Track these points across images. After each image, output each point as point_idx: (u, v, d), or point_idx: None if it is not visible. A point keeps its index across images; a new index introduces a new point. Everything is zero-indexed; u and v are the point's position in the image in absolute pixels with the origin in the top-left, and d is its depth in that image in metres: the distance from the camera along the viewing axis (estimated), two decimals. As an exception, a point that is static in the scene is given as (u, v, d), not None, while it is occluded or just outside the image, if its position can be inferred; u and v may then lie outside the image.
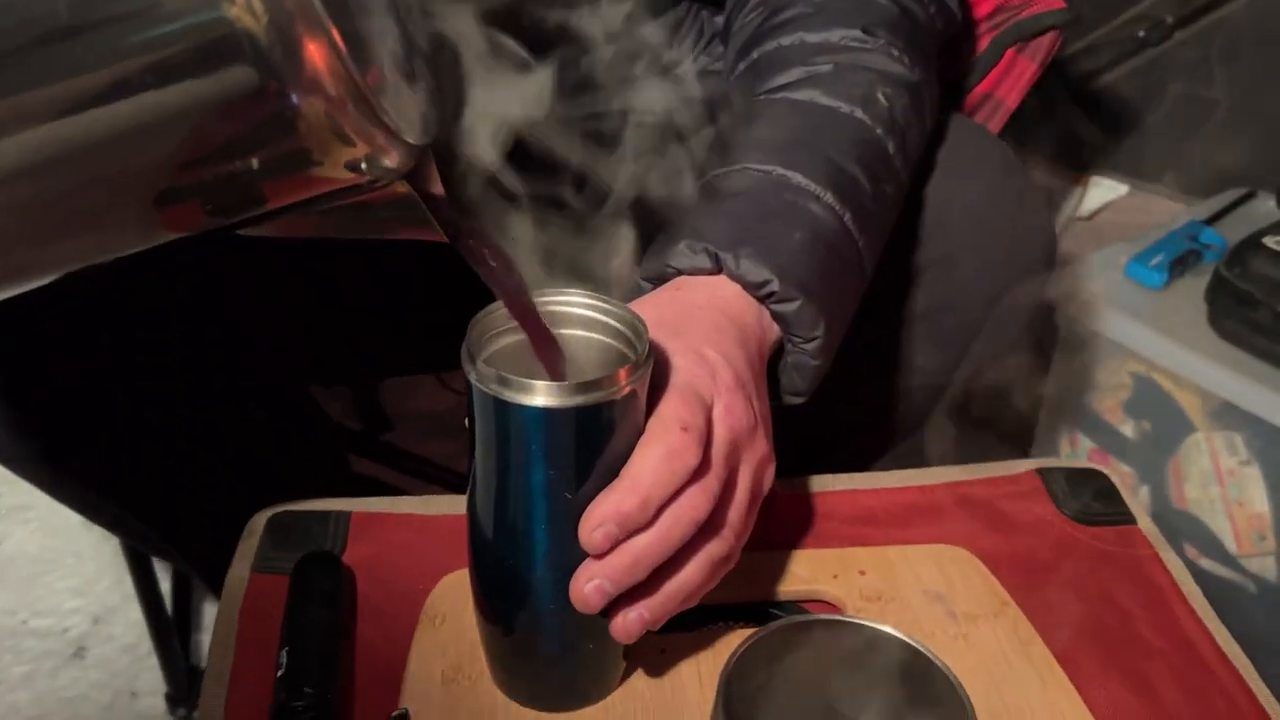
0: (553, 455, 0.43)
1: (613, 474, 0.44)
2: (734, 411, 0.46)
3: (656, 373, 0.45)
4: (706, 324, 0.49)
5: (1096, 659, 0.55)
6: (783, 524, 0.62)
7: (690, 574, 0.45)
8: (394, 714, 0.46)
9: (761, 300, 0.52)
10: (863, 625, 0.41)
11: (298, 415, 0.90)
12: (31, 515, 1.23)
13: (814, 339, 0.52)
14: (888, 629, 0.40)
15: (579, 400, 0.41)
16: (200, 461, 0.70)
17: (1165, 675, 0.54)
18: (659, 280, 0.53)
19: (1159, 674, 0.54)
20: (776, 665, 0.40)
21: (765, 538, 0.61)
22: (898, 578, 0.59)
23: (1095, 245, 1.20)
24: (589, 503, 0.44)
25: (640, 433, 0.44)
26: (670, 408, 0.44)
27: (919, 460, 0.72)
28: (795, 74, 0.59)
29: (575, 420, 0.42)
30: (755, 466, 0.48)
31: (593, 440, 0.43)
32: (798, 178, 0.54)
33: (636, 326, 0.45)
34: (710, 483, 0.45)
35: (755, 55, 0.62)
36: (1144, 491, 1.12)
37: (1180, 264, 1.11)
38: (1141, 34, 1.40)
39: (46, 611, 1.13)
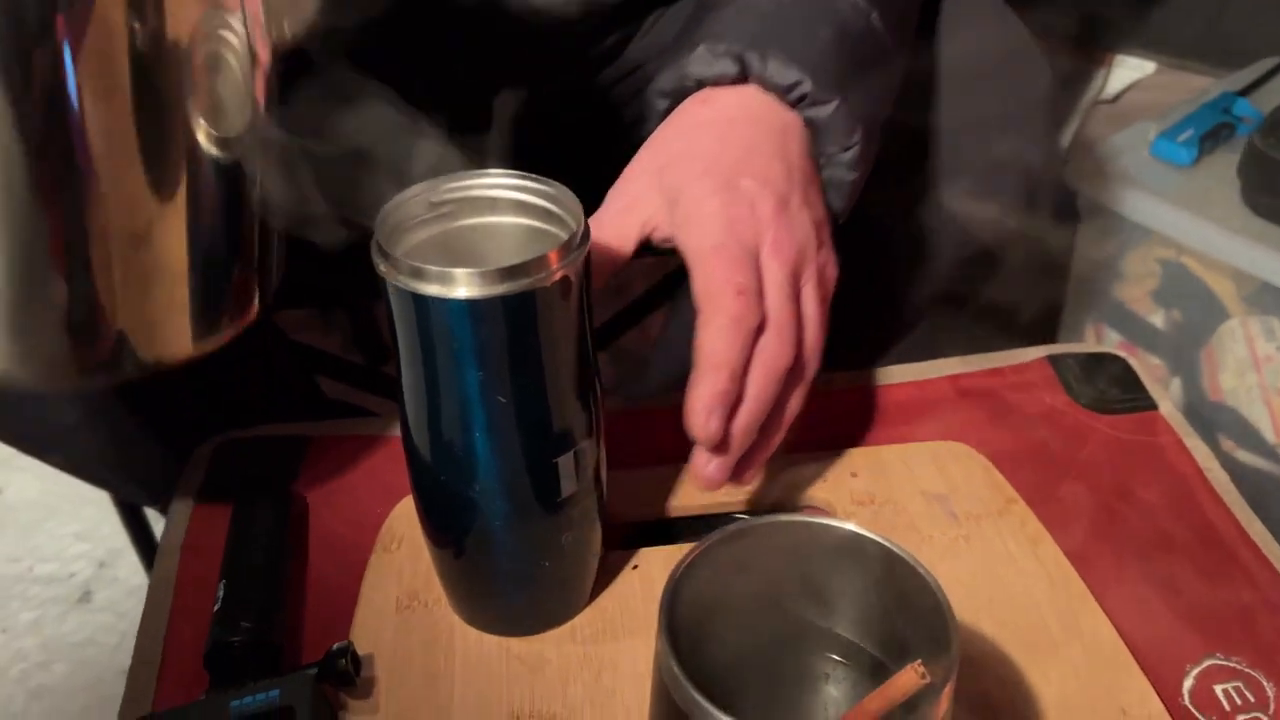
0: (482, 355, 0.38)
1: (555, 374, 0.39)
2: (782, 245, 0.44)
3: (695, 227, 0.44)
4: (738, 146, 0.46)
5: (1112, 556, 0.50)
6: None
7: (792, 408, 0.46)
8: (335, 647, 0.43)
9: (793, 105, 0.48)
10: (827, 525, 0.36)
11: (296, 354, 0.86)
12: (30, 462, 1.22)
13: (850, 147, 0.48)
14: (852, 526, 0.36)
15: (505, 289, 0.37)
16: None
17: (1188, 571, 0.49)
18: (678, 95, 0.49)
19: (1182, 570, 0.49)
20: (731, 573, 0.36)
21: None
22: (892, 479, 0.54)
23: (1122, 128, 1.12)
24: (528, 409, 0.40)
25: (581, 324, 0.40)
26: (719, 272, 0.43)
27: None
28: None
29: (503, 312, 0.37)
30: (818, 279, 0.46)
31: (525, 336, 0.38)
32: None
33: (570, 206, 0.39)
34: (783, 327, 0.44)
35: None
36: (1175, 384, 1.06)
37: (1211, 139, 1.03)
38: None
39: (51, 557, 1.12)
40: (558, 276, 0.37)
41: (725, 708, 0.30)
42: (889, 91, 0.52)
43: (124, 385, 0.62)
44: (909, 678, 0.32)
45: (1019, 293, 0.74)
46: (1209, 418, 1.02)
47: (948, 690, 0.31)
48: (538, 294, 0.37)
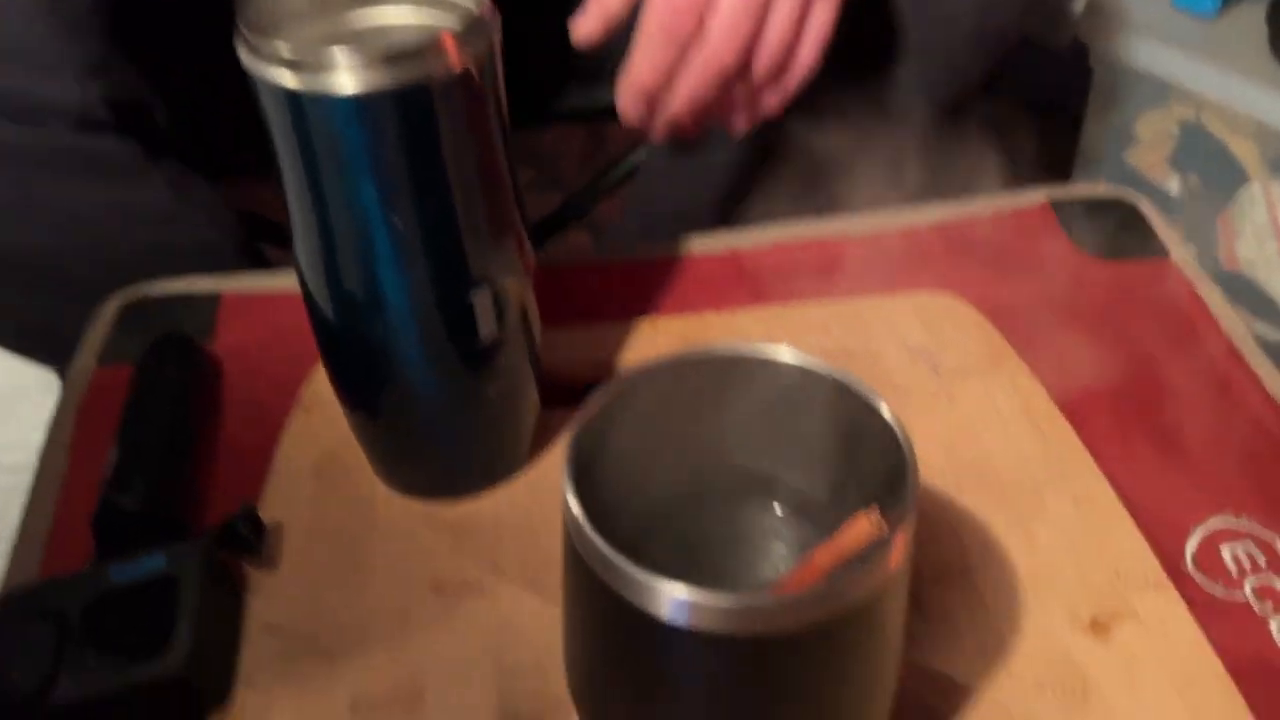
0: (374, 166, 0.32)
1: (463, 192, 0.34)
2: None
3: None
4: None
5: (1113, 412, 0.45)
6: (731, 280, 0.52)
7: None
8: (236, 512, 0.38)
9: None
10: (765, 356, 0.30)
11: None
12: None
13: None
14: (793, 355, 0.30)
15: (394, 79, 0.31)
16: None
17: (1197, 425, 0.44)
18: None
19: (1190, 424, 0.44)
20: (655, 418, 0.31)
21: (710, 298, 0.51)
22: (870, 333, 0.49)
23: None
24: (433, 234, 0.34)
25: (493, 134, 0.34)
26: None
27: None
28: None
29: (394, 110, 0.31)
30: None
31: (423, 141, 0.32)
32: None
33: (477, -7, 0.33)
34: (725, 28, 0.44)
35: None
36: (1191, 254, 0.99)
37: (1238, -15, 0.94)
38: None
39: (16, 446, 1.08)
40: (457, 67, 0.31)
41: (650, 566, 0.25)
42: None
43: (33, 242, 0.57)
44: (862, 527, 0.27)
45: (1022, 155, 0.67)
46: (1224, 288, 0.96)
47: (901, 539, 0.26)
48: (435, 88, 0.31)
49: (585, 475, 0.28)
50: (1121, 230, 0.53)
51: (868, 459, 0.30)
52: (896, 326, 0.49)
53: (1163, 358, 0.47)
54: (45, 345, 0.63)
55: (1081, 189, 0.56)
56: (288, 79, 0.31)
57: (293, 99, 0.31)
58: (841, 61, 0.51)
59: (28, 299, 0.58)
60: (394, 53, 0.31)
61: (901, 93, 0.57)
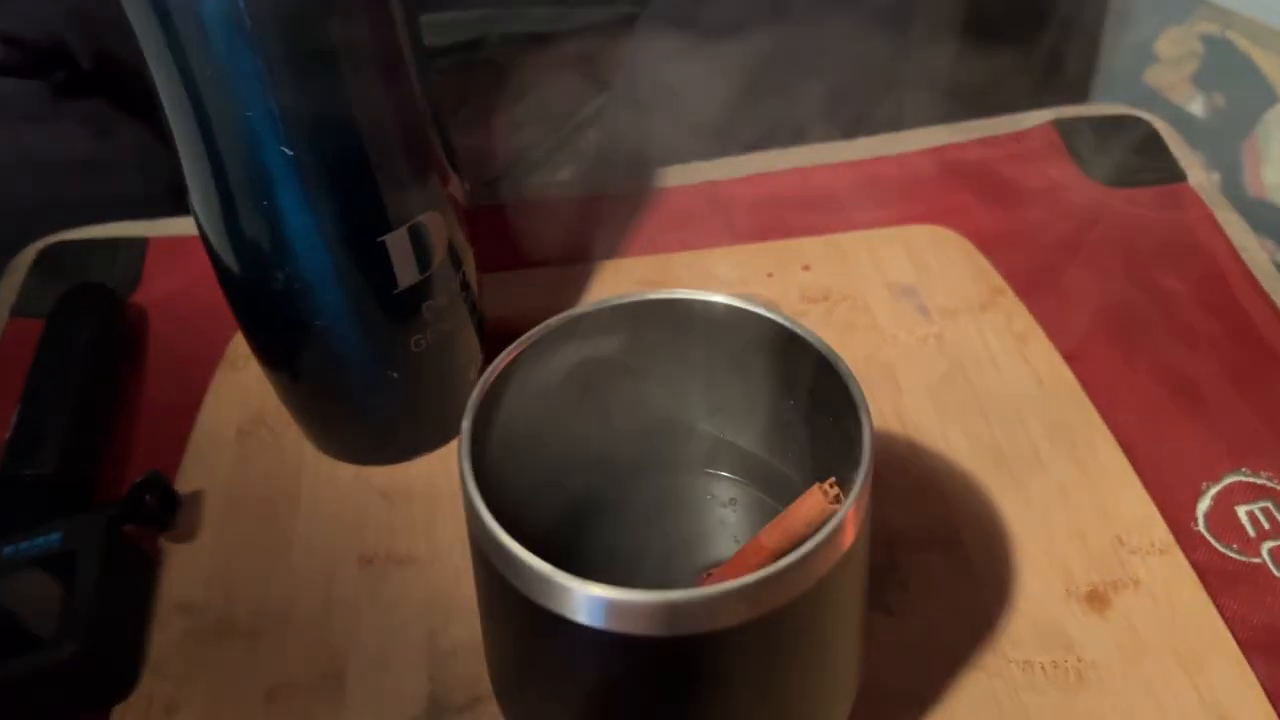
0: (255, 78, 0.28)
1: (365, 110, 0.29)
2: None
3: None
4: None
5: (1121, 356, 0.40)
6: (705, 214, 0.47)
7: None
8: (139, 480, 0.35)
9: None
10: (699, 300, 0.26)
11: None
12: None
13: None
14: (728, 298, 0.26)
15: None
16: None
17: (1214, 371, 0.39)
18: None
19: (1206, 370, 0.40)
20: (580, 375, 0.27)
21: (681, 236, 0.47)
22: (853, 270, 0.44)
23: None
24: (332, 163, 0.30)
25: (397, 40, 0.29)
26: None
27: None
28: None
29: (273, 10, 0.27)
30: None
31: (310, 51, 0.28)
32: None
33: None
34: None
35: None
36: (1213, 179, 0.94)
37: (1272, -117, 0.87)
38: None
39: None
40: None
41: (579, 553, 0.21)
42: None
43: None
44: (814, 503, 0.23)
45: (1029, 78, 0.61)
46: (1248, 217, 0.90)
47: (852, 514, 0.22)
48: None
49: (491, 451, 0.24)
50: (1134, 154, 0.48)
51: (824, 417, 0.25)
52: (882, 262, 0.45)
53: (1176, 295, 0.42)
54: None
55: (1091, 108, 0.51)
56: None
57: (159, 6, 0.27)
58: None
59: None
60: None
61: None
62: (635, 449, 0.29)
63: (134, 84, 0.56)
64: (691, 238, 0.46)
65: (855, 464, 0.23)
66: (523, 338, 0.25)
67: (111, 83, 0.51)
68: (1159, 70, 0.96)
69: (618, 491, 0.29)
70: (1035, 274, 0.43)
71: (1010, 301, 0.42)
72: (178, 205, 0.55)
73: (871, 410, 0.24)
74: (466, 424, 0.23)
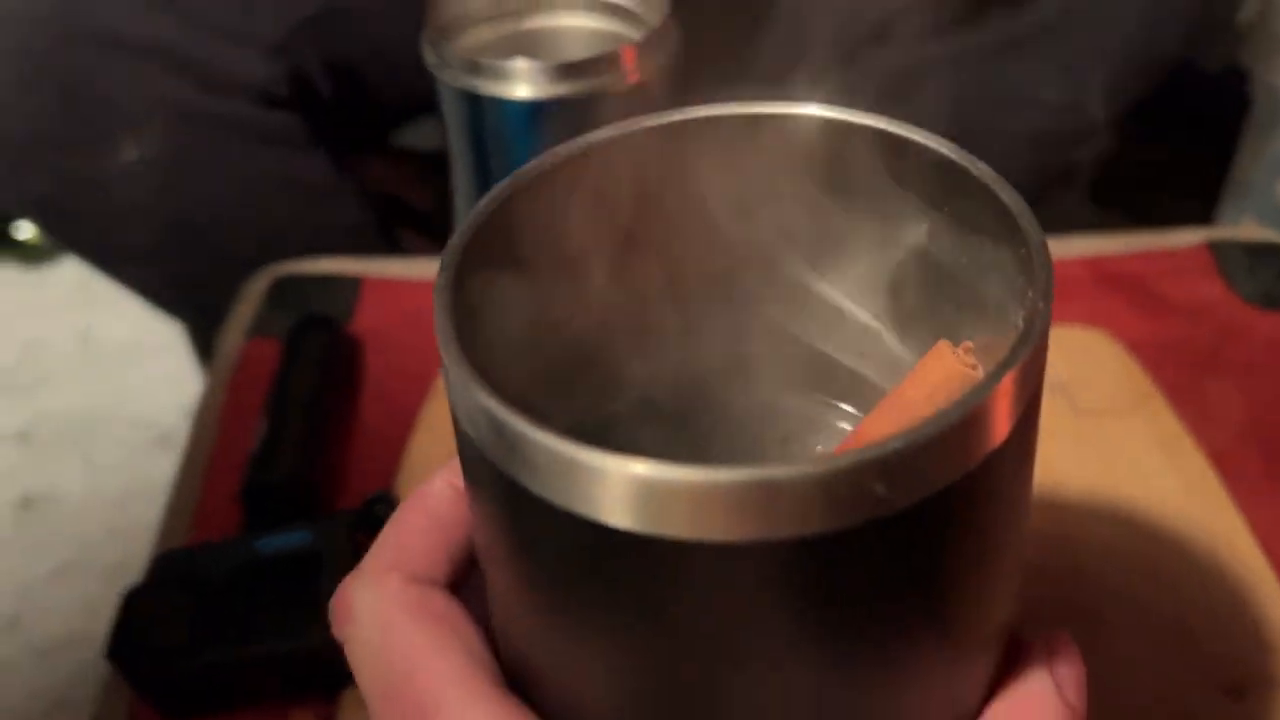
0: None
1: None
2: None
3: None
4: None
5: (1263, 466, 0.43)
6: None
7: None
8: (372, 495, 0.39)
9: None
10: (785, 112, 0.20)
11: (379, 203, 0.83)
12: (124, 305, 1.23)
13: None
14: (823, 109, 0.19)
15: (569, 88, 0.31)
16: None
17: (1358, 490, 0.42)
18: None
19: (1350, 488, 0.42)
20: (609, 221, 0.20)
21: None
22: (1010, 364, 0.47)
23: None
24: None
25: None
26: None
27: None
28: None
29: (567, 118, 0.32)
30: None
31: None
32: None
33: (655, 4, 0.33)
34: None
35: None
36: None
37: None
38: None
39: (140, 395, 1.13)
40: (632, 79, 0.32)
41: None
42: None
43: (192, 218, 0.60)
44: (945, 364, 0.18)
45: (1165, 184, 0.65)
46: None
47: (1009, 381, 0.16)
48: (609, 99, 0.32)
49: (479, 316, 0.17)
50: (1284, 278, 0.51)
51: (969, 261, 0.19)
52: (1036, 359, 0.48)
53: (1323, 415, 0.45)
54: (187, 303, 0.67)
55: (1244, 231, 0.53)
56: (467, 81, 0.32)
57: (472, 100, 0.32)
58: (1002, 78, 0.49)
59: (183, 256, 0.61)
60: (571, 64, 0.31)
61: (1056, 115, 0.56)
62: (690, 326, 0.21)
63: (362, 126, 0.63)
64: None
65: (1021, 321, 0.17)
66: (527, 167, 0.19)
67: (347, 125, 0.58)
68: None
69: (675, 388, 0.21)
70: (1184, 382, 0.46)
71: (1159, 405, 0.45)
72: (384, 245, 0.62)
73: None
74: (447, 274, 0.17)
